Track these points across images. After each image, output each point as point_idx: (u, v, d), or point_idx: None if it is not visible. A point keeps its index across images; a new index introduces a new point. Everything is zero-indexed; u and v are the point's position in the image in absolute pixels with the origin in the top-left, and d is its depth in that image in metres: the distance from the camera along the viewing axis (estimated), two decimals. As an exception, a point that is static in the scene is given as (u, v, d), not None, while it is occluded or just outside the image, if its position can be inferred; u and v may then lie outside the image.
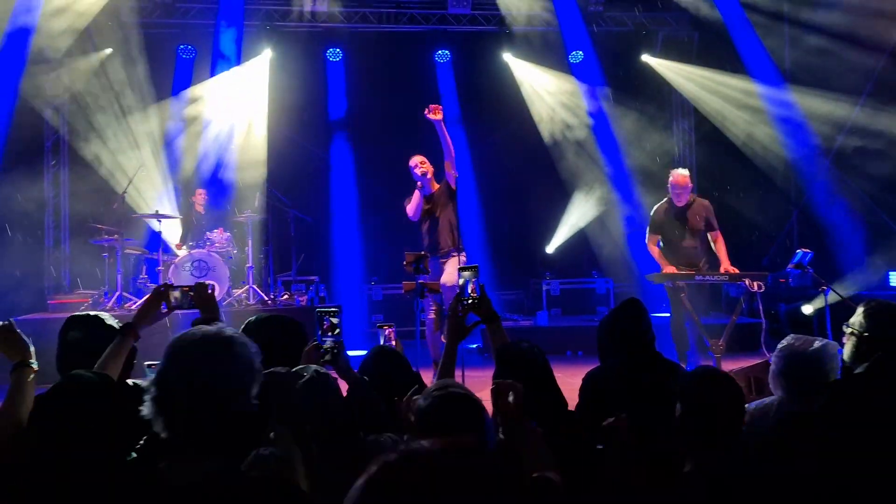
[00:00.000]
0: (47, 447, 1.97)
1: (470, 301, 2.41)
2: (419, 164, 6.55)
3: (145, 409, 1.70)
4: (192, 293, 2.61)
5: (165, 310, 2.60)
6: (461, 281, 2.46)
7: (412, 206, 6.54)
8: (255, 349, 1.79)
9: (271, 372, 2.21)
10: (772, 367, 2.78)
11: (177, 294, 2.59)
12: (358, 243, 10.56)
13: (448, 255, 6.38)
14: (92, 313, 2.73)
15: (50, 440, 1.94)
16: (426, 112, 6.23)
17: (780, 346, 2.78)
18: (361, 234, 10.59)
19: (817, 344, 2.68)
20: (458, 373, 2.58)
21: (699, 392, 2.13)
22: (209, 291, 2.62)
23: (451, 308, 2.41)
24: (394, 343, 3.34)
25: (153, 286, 8.05)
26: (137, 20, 9.61)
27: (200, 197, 9.31)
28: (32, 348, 2.43)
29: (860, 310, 2.67)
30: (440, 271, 6.39)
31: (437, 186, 6.59)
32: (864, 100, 8.19)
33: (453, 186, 6.54)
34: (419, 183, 6.47)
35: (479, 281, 2.43)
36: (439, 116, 6.22)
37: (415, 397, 2.43)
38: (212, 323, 2.51)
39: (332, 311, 2.52)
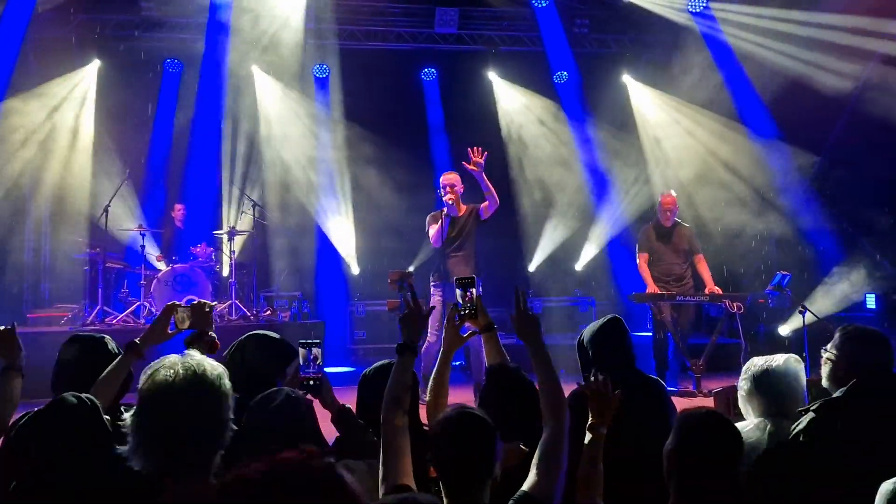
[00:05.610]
0: (28, 469, 1.97)
1: (466, 311, 2.45)
2: (449, 189, 5.88)
3: (126, 449, 1.72)
4: (193, 310, 2.63)
5: (173, 329, 2.61)
6: (458, 291, 2.49)
7: (436, 233, 5.88)
8: (226, 378, 1.79)
9: (246, 395, 2.22)
10: (740, 391, 2.80)
11: (181, 314, 2.61)
12: (341, 260, 10.55)
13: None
14: (97, 335, 2.78)
15: (30, 462, 1.95)
16: (465, 164, 5.68)
17: (745, 367, 2.81)
18: (345, 251, 10.58)
19: (780, 358, 2.74)
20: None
21: (698, 436, 2.02)
22: (206, 310, 2.66)
23: (448, 317, 2.45)
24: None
25: (134, 300, 8.13)
26: (124, 33, 9.62)
27: (179, 212, 9.28)
28: (24, 353, 2.57)
29: (837, 335, 2.71)
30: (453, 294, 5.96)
31: (463, 209, 5.99)
32: (843, 124, 8.36)
33: (483, 217, 6.00)
34: (444, 210, 5.86)
35: (476, 291, 2.47)
36: (478, 167, 5.65)
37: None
38: (203, 337, 2.55)
39: (314, 343, 2.54)
